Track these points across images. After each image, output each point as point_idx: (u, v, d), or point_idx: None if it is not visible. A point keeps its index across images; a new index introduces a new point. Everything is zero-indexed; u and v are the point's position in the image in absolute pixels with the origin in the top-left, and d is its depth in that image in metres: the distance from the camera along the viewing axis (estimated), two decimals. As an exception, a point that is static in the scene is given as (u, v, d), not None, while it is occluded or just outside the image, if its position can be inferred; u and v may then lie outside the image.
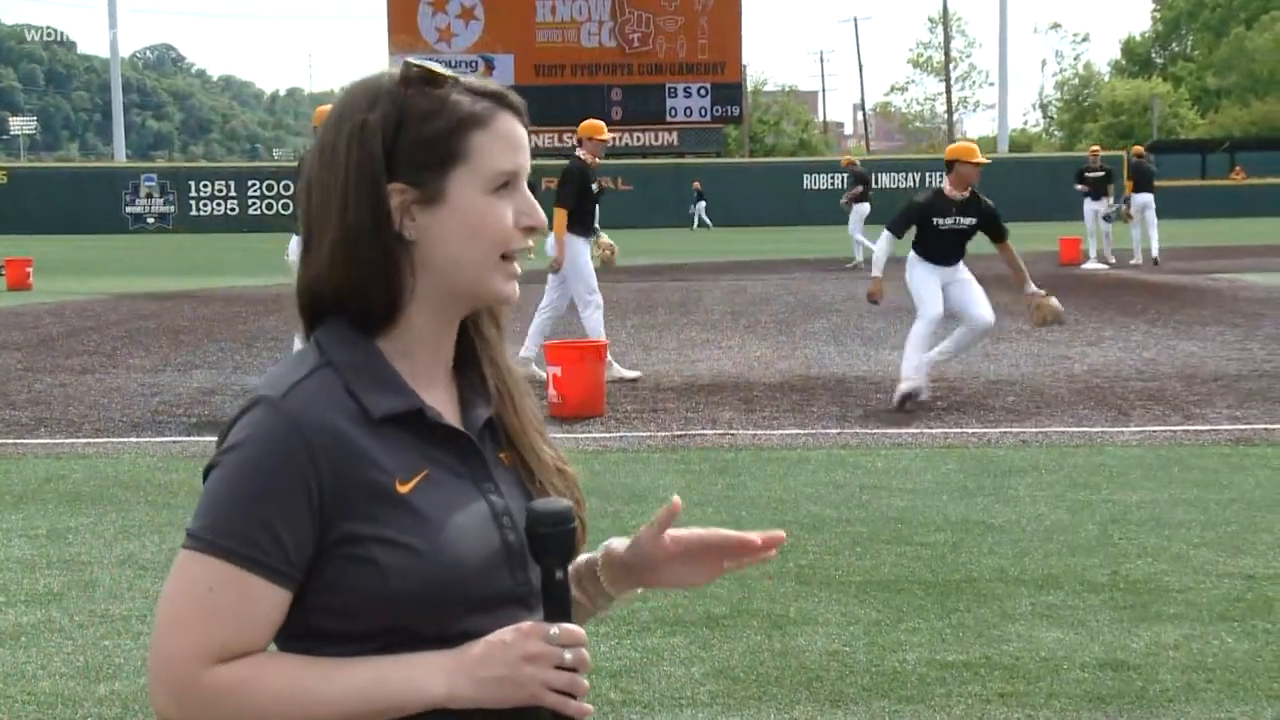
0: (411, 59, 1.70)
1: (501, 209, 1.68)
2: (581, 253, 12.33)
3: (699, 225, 52.53)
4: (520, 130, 1.71)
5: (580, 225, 12.25)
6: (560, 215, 12.03)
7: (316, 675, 1.59)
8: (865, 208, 28.27)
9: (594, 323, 12.24)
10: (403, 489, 1.63)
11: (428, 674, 1.60)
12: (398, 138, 1.66)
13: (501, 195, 1.68)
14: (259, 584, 1.58)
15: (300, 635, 1.64)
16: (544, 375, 11.00)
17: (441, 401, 1.72)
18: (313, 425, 1.61)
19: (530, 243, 1.72)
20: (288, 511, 1.59)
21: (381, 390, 1.66)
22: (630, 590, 1.85)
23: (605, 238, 12.41)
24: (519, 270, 1.71)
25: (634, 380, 12.23)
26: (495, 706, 1.61)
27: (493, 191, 1.67)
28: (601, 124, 12.65)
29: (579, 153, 12.37)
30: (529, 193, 1.71)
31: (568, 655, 1.61)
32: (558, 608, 1.64)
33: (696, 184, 53.49)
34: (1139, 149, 29.55)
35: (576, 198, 12.16)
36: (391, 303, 1.67)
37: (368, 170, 1.65)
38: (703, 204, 52.65)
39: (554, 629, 1.61)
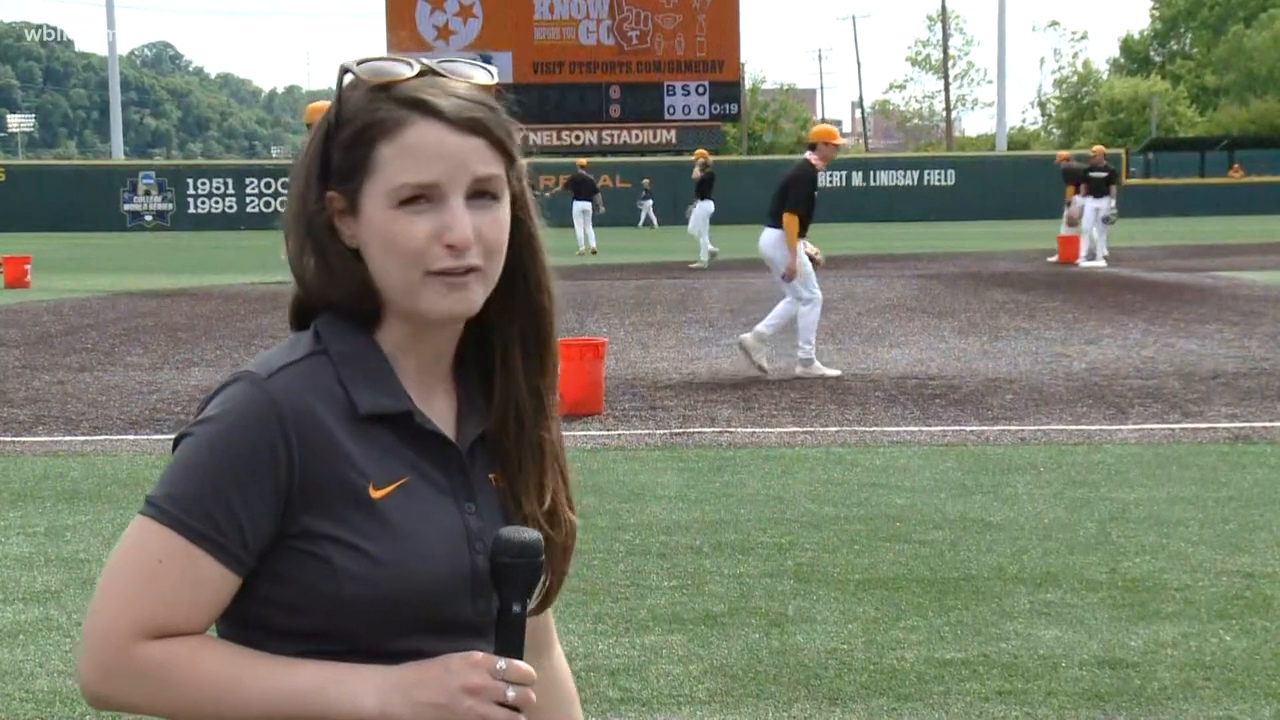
0: (347, 63, 1.62)
1: (408, 226, 1.55)
2: (800, 252, 12.33)
3: (644, 224, 52.29)
4: (442, 139, 1.56)
5: (801, 227, 12.28)
6: (791, 220, 12.08)
7: (248, 669, 1.53)
8: (709, 206, 28.36)
9: (808, 320, 12.25)
10: (376, 493, 1.57)
11: (362, 687, 1.53)
12: (331, 142, 1.60)
13: (417, 209, 1.56)
14: (209, 563, 1.53)
15: (243, 624, 1.58)
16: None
17: (437, 409, 1.65)
18: (293, 410, 1.55)
19: (460, 261, 1.56)
20: (252, 494, 1.53)
21: (373, 387, 1.60)
22: None
23: (810, 244, 12.42)
24: (464, 282, 1.57)
25: (836, 377, 12.24)
26: None
27: (397, 206, 1.56)
28: (835, 130, 12.78)
29: (810, 157, 12.37)
30: (460, 208, 1.56)
31: (511, 693, 1.53)
32: (510, 642, 1.57)
33: (646, 181, 53.01)
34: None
35: (807, 202, 12.24)
36: (363, 306, 1.61)
37: (311, 173, 1.62)
38: (650, 202, 52.24)
39: (501, 663, 1.54)
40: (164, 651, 1.53)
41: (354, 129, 1.58)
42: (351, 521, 1.56)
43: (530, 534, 1.59)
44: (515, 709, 1.53)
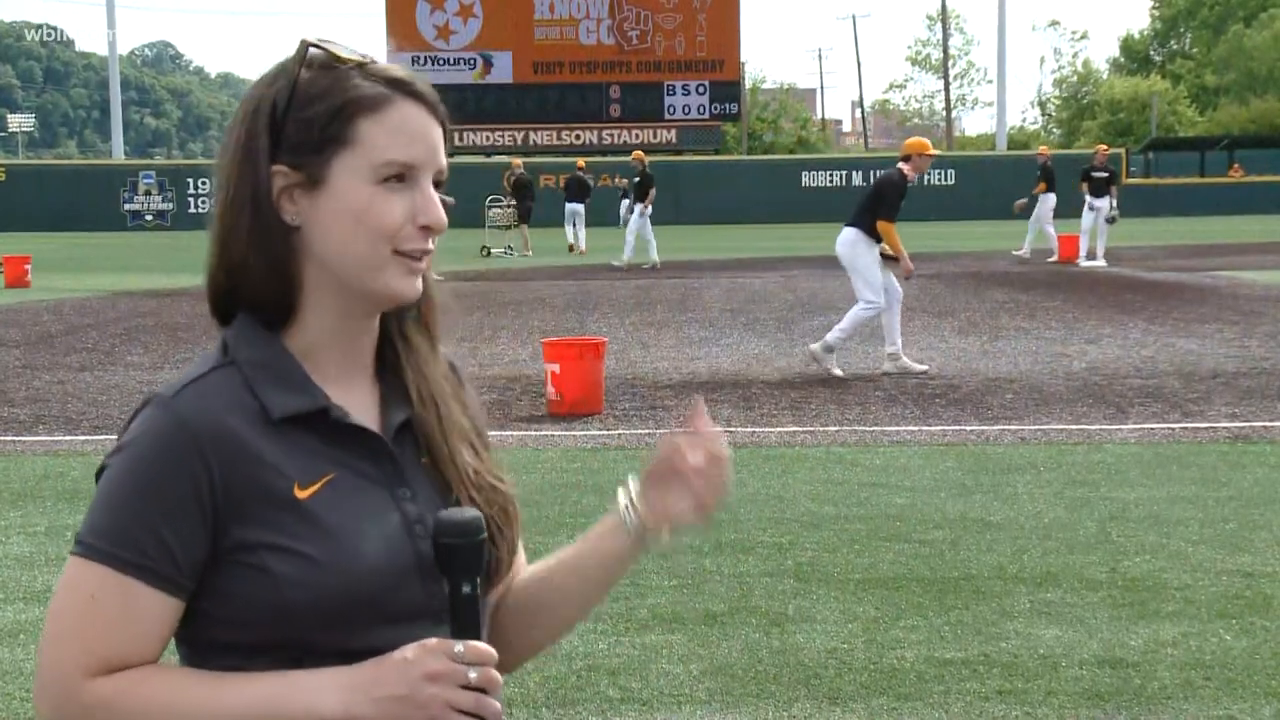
0: (313, 40, 1.61)
1: (388, 201, 1.57)
2: (870, 253, 12.48)
3: (622, 224, 52.17)
4: (423, 121, 1.60)
5: (877, 235, 12.44)
6: (888, 228, 12.33)
7: (201, 690, 1.51)
8: (648, 210, 28.43)
9: (858, 318, 12.40)
10: (302, 494, 1.55)
11: (321, 692, 1.50)
12: (286, 117, 1.58)
13: (392, 188, 1.57)
14: (144, 591, 1.51)
15: (196, 646, 1.57)
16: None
17: (358, 404, 1.63)
18: (202, 425, 1.53)
19: (429, 244, 1.60)
20: (175, 515, 1.51)
21: (284, 389, 1.58)
22: (659, 525, 1.75)
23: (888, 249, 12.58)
24: (421, 267, 1.61)
25: (923, 372, 12.38)
26: None
27: (380, 182, 1.57)
28: (928, 142, 12.96)
29: (903, 167, 12.56)
30: (432, 191, 1.60)
31: (473, 674, 1.50)
32: (465, 624, 1.54)
33: (624, 181, 52.78)
34: (1044, 149, 30.09)
35: (897, 211, 12.48)
36: (281, 291, 1.59)
37: (250, 148, 1.59)
38: (627, 201, 52.09)
39: (459, 646, 1.51)
40: (113, 686, 1.51)
41: (329, 104, 1.57)
42: (281, 526, 1.54)
43: (469, 513, 1.57)
44: (481, 690, 1.51)
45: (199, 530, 1.52)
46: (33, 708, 4.68)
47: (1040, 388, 11.57)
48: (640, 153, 30.55)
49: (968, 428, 9.84)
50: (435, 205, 1.60)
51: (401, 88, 1.59)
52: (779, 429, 9.91)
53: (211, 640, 1.56)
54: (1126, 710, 4.61)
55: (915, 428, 9.87)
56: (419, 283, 1.62)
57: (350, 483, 1.59)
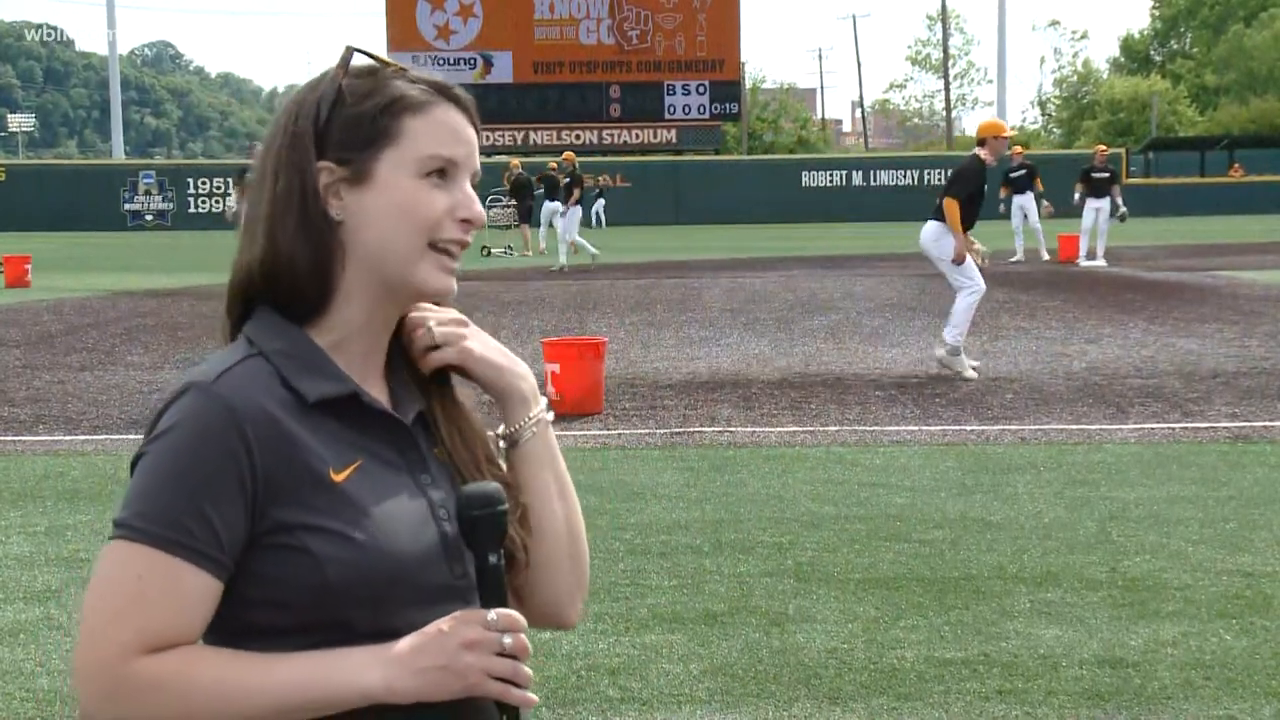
0: (357, 46, 1.69)
1: (432, 195, 1.65)
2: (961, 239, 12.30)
3: (595, 223, 52.15)
4: (462, 124, 1.68)
5: (964, 220, 12.26)
6: (951, 205, 12.19)
7: (248, 669, 1.54)
8: (577, 211, 28.44)
9: (964, 307, 12.19)
10: (337, 477, 1.59)
11: (363, 667, 1.54)
12: (331, 116, 1.65)
13: (435, 183, 1.65)
14: (189, 570, 1.54)
15: (234, 630, 1.59)
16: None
17: (376, 395, 1.69)
18: (246, 409, 1.57)
19: (468, 237, 1.68)
20: (219, 496, 1.54)
21: (315, 376, 1.62)
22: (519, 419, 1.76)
23: (978, 243, 12.40)
24: (454, 265, 1.68)
25: (972, 377, 12.04)
26: (435, 699, 1.55)
27: (424, 176, 1.65)
28: (1001, 123, 12.75)
29: (979, 152, 12.37)
30: (470, 189, 1.68)
31: (507, 640, 1.56)
32: (493, 593, 1.60)
33: (600, 179, 52.64)
34: (1019, 149, 30.16)
35: (968, 193, 12.27)
36: (320, 285, 1.65)
37: (296, 146, 1.65)
38: (602, 201, 51.98)
39: (491, 614, 1.57)
40: (159, 666, 1.53)
41: (376, 102, 1.65)
42: (321, 507, 1.58)
43: (490, 485, 1.64)
44: (514, 656, 1.56)
45: (240, 512, 1.56)
46: (33, 708, 4.68)
47: (1040, 388, 11.57)
48: (571, 154, 30.56)
49: (968, 428, 9.84)
50: (475, 201, 1.68)
51: (443, 92, 1.69)
52: (779, 429, 9.91)
53: (246, 625, 1.59)
54: (1126, 710, 4.61)
55: (915, 428, 9.88)
56: (454, 281, 1.69)
57: (378, 469, 1.64)
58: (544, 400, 1.81)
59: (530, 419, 1.77)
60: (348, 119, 1.64)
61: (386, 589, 1.58)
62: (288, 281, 1.65)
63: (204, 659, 1.55)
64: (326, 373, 1.63)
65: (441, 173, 1.66)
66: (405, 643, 1.56)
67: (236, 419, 1.56)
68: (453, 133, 1.67)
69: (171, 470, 1.56)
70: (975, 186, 12.35)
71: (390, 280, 1.65)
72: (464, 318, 1.75)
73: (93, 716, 1.54)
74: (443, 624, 1.56)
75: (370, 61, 1.69)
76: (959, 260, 12.23)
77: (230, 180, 55.99)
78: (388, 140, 1.64)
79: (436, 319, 1.72)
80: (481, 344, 1.74)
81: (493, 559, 1.61)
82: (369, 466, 1.63)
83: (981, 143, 12.44)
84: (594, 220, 50.93)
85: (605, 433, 9.83)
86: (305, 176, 1.64)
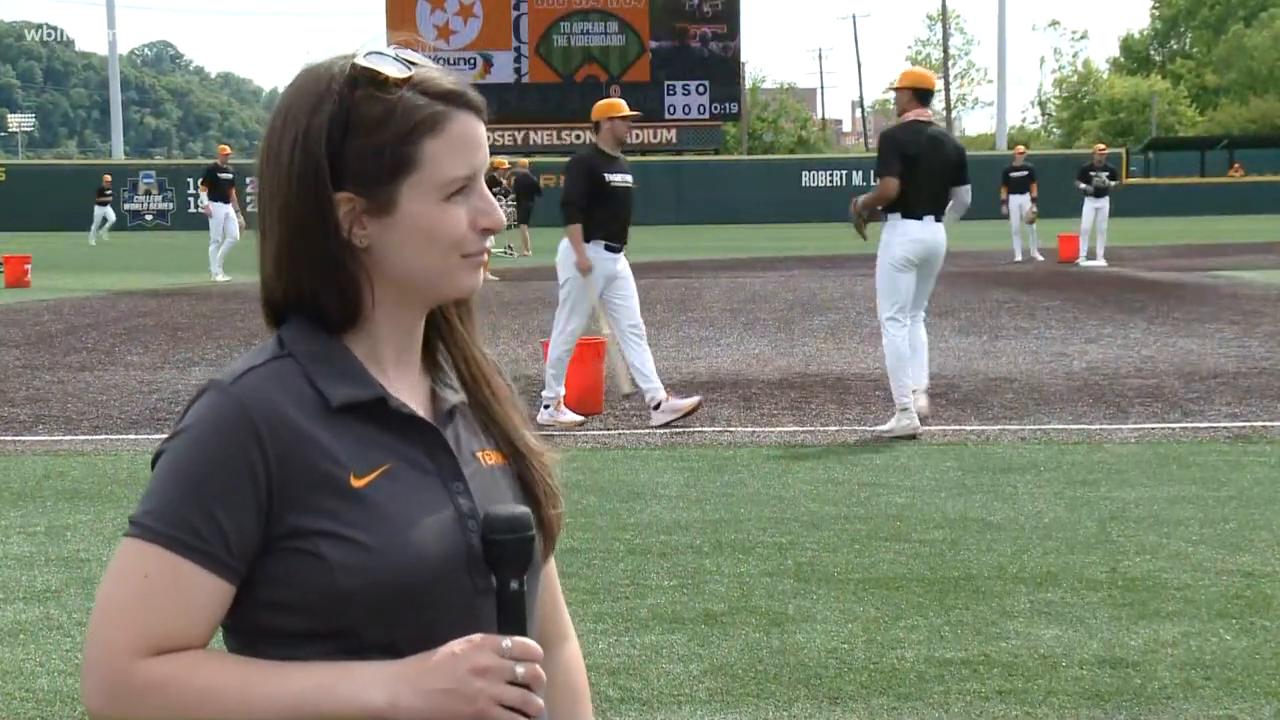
0: (360, 60, 1.61)
1: (455, 215, 1.62)
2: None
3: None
4: (478, 129, 1.65)
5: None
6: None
7: (252, 676, 1.53)
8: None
9: None
10: (358, 483, 1.57)
11: (369, 683, 1.52)
12: (344, 145, 1.60)
13: (456, 200, 1.63)
14: (196, 572, 1.53)
15: (246, 633, 1.59)
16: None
17: (411, 395, 1.67)
18: (260, 411, 1.56)
19: (489, 243, 1.67)
20: (231, 498, 1.54)
21: (342, 380, 1.61)
22: None
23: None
24: (483, 259, 1.68)
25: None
26: None
27: (446, 199, 1.62)
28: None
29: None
30: (486, 191, 1.66)
31: (520, 670, 1.52)
32: (512, 619, 1.56)
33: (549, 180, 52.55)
34: (1021, 149, 30.35)
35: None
36: (348, 308, 1.63)
37: (311, 178, 1.60)
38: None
39: (507, 641, 1.53)
40: (165, 667, 1.52)
41: (392, 130, 1.60)
42: (337, 513, 1.56)
43: (518, 508, 1.60)
44: (525, 686, 1.53)
45: (253, 515, 1.55)
46: (33, 708, 4.69)
47: (1040, 388, 11.57)
48: (518, 159, 30.82)
49: (967, 427, 9.84)
50: (494, 208, 1.66)
51: (455, 100, 1.64)
52: (779, 429, 9.91)
53: (259, 628, 1.58)
54: (1126, 710, 4.61)
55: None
56: (481, 275, 1.69)
57: (406, 473, 1.61)
58: None
59: None
60: (363, 150, 1.60)
61: (399, 598, 1.56)
62: (314, 312, 1.64)
63: (207, 665, 1.54)
64: (353, 377, 1.62)
65: (461, 189, 1.64)
66: (414, 662, 1.53)
67: (252, 421, 1.55)
68: (469, 145, 1.63)
69: (183, 470, 1.55)
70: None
71: (421, 292, 1.66)
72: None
73: (95, 713, 1.55)
74: (455, 646, 1.53)
75: (373, 68, 1.61)
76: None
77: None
78: (407, 170, 1.60)
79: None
80: None
81: (514, 585, 1.57)
82: (397, 471, 1.60)
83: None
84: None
85: (605, 433, 9.82)
86: (324, 211, 1.60)
